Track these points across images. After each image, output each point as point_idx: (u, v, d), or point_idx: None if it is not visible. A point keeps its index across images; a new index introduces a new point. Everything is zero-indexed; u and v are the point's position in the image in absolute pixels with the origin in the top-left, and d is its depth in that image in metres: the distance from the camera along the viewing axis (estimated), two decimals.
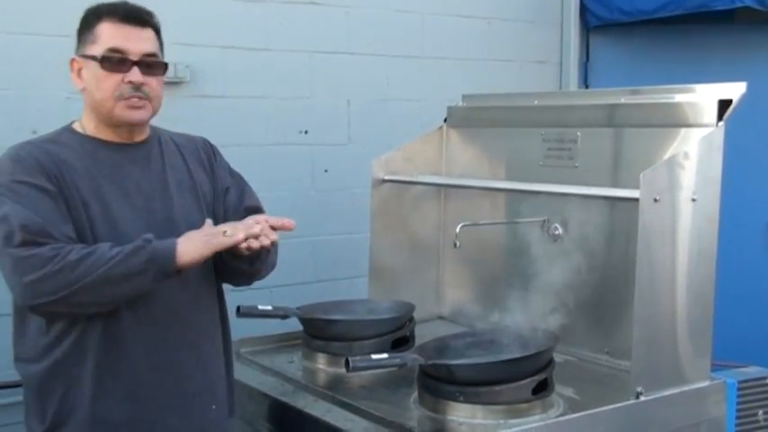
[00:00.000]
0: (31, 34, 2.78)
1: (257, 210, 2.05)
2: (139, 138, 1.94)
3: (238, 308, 2.25)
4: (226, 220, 1.97)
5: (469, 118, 2.82)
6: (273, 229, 1.86)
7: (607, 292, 2.34)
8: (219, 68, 3.11)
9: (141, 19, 1.85)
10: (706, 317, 2.08)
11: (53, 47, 2.78)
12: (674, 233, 2.00)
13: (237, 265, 1.94)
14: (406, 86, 3.54)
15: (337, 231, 3.37)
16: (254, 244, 1.82)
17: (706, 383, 2.08)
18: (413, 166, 2.75)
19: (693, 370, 2.06)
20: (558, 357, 2.10)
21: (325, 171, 3.38)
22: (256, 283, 2.50)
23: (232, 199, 2.05)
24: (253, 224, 1.81)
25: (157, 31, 1.90)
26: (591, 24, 4.01)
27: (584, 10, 3.99)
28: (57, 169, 1.79)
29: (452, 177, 2.79)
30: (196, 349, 1.93)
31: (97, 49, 1.82)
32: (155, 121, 1.98)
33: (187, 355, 1.91)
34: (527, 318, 2.47)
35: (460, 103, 2.89)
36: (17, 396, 2.32)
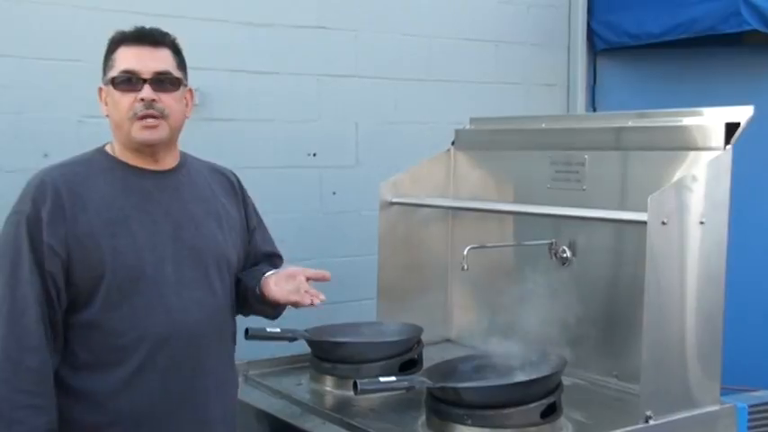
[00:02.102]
0: (43, 59, 2.81)
1: (275, 255, 2.14)
2: (168, 164, 1.94)
3: (247, 330, 2.25)
4: (247, 260, 2.06)
5: (477, 141, 2.83)
6: (307, 279, 1.96)
7: (615, 315, 2.34)
8: (228, 92, 3.14)
9: (154, 39, 1.87)
10: (715, 340, 2.07)
11: (65, 71, 2.81)
12: (682, 256, 2.00)
13: (262, 309, 2.05)
14: (414, 109, 3.56)
15: (345, 254, 3.37)
16: (306, 300, 1.92)
17: (716, 407, 2.07)
18: (420, 188, 2.76)
19: (703, 394, 2.05)
20: (566, 381, 2.09)
21: (333, 193, 3.39)
22: None
23: (257, 241, 2.10)
24: None
25: (176, 51, 1.92)
26: (598, 48, 4.02)
27: (591, 33, 4.01)
28: (78, 201, 1.79)
29: (460, 200, 2.80)
30: (214, 377, 1.92)
31: (113, 73, 1.85)
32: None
33: (205, 383, 1.89)
34: (535, 340, 2.45)
35: (468, 126, 2.90)
36: None
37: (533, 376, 2.01)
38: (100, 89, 1.90)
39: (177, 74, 1.89)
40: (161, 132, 1.86)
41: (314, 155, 3.35)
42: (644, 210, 1.94)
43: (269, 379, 2.44)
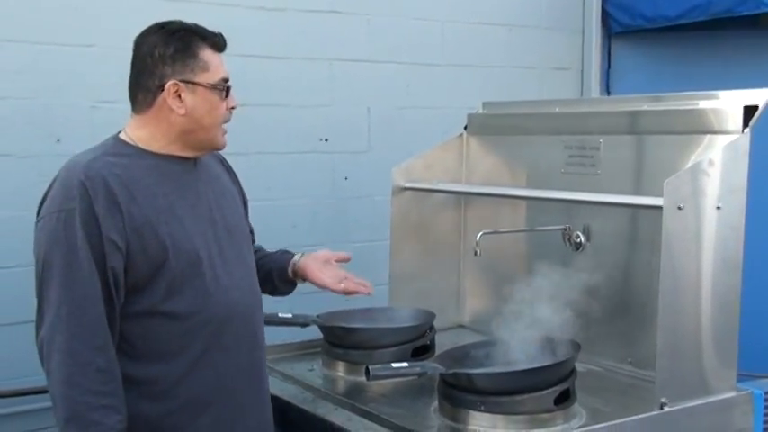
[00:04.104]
0: (56, 44, 2.80)
1: (252, 231, 2.21)
2: None
3: None
4: None
5: (490, 125, 2.81)
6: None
7: (630, 301, 2.32)
8: (240, 77, 3.08)
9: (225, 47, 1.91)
10: (731, 326, 2.05)
11: (78, 57, 2.81)
12: (698, 242, 1.98)
13: (284, 289, 2.24)
14: (426, 94, 3.54)
15: (357, 239, 3.36)
16: (362, 290, 2.21)
17: (732, 394, 2.05)
18: (433, 173, 2.74)
19: (719, 380, 2.03)
20: (580, 367, 2.08)
21: (346, 179, 3.39)
22: None
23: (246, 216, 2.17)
24: None
25: None
26: (613, 31, 3.99)
27: (606, 16, 3.97)
28: (127, 192, 1.76)
29: (472, 185, 2.78)
30: (263, 350, 2.01)
31: (211, 78, 1.85)
32: None
33: (260, 356, 1.98)
34: (548, 326, 2.44)
35: (481, 111, 2.88)
36: (40, 402, 2.34)
37: (547, 362, 2.00)
38: (174, 84, 1.81)
39: None
40: None
41: (326, 140, 3.34)
42: (659, 194, 1.92)
43: (281, 364, 2.44)
